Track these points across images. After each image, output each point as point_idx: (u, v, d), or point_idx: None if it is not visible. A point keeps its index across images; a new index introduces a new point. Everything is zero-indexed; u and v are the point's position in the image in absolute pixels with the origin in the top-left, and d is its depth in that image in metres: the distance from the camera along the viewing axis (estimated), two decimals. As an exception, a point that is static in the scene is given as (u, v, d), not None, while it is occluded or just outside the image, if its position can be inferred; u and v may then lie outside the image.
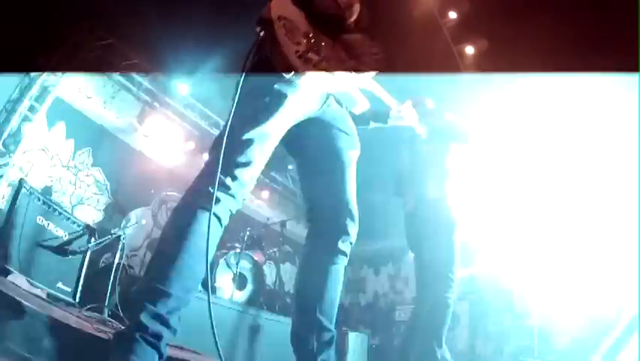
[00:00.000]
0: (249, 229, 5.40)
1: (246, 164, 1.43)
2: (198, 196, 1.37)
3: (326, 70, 1.57)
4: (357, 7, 1.74)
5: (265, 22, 1.48)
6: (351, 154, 1.69)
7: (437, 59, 5.48)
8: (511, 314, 6.18)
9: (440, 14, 5.23)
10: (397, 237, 4.16)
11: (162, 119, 6.53)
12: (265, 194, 8.03)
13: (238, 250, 5.08)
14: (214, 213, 1.33)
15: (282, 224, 5.76)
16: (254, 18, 1.53)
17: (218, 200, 1.34)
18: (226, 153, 1.39)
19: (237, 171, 1.40)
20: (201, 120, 7.02)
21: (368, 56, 1.70)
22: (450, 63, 5.57)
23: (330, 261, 1.58)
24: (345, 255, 1.61)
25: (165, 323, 1.18)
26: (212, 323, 1.25)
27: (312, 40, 1.56)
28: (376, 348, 6.28)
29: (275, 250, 5.92)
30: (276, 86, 1.49)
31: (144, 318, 1.15)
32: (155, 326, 1.15)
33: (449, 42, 5.44)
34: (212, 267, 4.99)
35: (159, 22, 4.94)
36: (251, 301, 4.71)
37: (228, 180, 1.39)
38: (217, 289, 4.83)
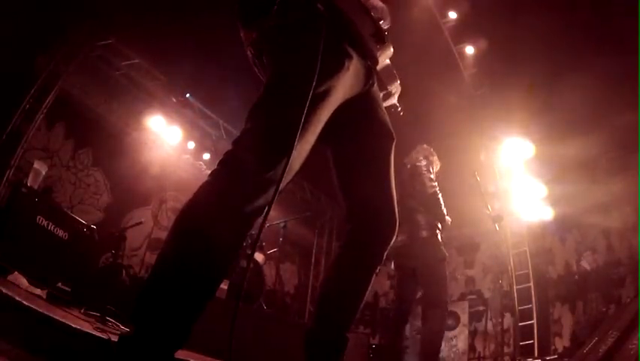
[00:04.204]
0: (248, 229, 5.39)
1: (307, 147, 1.19)
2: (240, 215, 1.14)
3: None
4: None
5: None
6: (392, 144, 1.46)
7: (437, 59, 5.48)
8: (511, 314, 6.18)
9: (440, 14, 5.23)
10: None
11: (162, 119, 6.53)
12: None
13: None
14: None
15: (282, 224, 5.75)
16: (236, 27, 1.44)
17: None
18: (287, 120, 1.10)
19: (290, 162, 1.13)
20: (201, 120, 7.02)
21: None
22: (450, 63, 5.58)
23: (370, 271, 1.43)
24: (382, 261, 1.45)
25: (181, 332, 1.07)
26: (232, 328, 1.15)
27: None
28: (376, 348, 6.28)
29: (275, 250, 5.92)
30: (344, 51, 1.26)
31: (158, 326, 1.03)
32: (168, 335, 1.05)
33: (449, 42, 5.45)
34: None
35: (159, 22, 4.93)
36: (250, 301, 4.71)
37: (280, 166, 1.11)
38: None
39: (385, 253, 1.44)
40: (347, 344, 1.41)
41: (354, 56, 1.30)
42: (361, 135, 1.44)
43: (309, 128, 1.17)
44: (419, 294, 3.28)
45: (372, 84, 1.45)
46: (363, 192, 1.42)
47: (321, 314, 1.42)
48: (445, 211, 3.23)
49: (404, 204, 3.29)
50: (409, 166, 3.39)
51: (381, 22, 1.38)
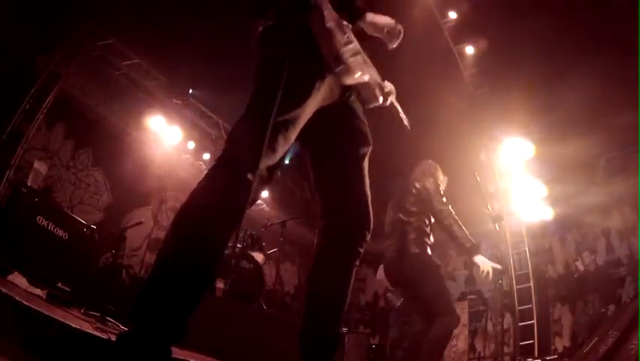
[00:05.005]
0: (248, 228, 5.40)
1: (275, 152, 1.31)
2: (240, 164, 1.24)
3: (360, 64, 1.52)
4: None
5: (312, 8, 1.40)
6: (367, 150, 1.60)
7: (437, 59, 5.48)
8: (511, 314, 6.18)
9: (440, 14, 5.24)
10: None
11: (162, 119, 6.53)
12: (265, 194, 8.04)
13: (238, 250, 5.08)
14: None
15: (282, 224, 5.75)
16: (252, 18, 1.49)
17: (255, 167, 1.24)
18: (259, 138, 1.24)
19: (269, 160, 1.30)
20: (201, 120, 7.02)
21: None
22: (450, 63, 5.58)
23: (349, 264, 1.53)
24: (360, 256, 1.57)
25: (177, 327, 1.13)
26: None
27: (349, 30, 1.50)
28: (376, 348, 6.28)
29: (275, 250, 5.92)
30: (315, 71, 1.41)
31: (155, 322, 1.09)
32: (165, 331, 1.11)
33: (449, 42, 5.45)
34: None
35: (159, 22, 4.94)
36: (250, 301, 4.71)
37: (264, 170, 1.28)
38: (217, 288, 4.82)
39: (362, 250, 1.55)
40: (340, 339, 1.49)
41: (327, 74, 1.44)
42: (334, 141, 1.58)
43: (284, 138, 1.33)
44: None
45: (349, 96, 1.59)
46: (337, 193, 1.56)
47: (309, 312, 1.51)
48: (466, 232, 3.13)
49: (397, 217, 3.25)
50: (417, 186, 3.29)
51: (349, 45, 1.47)
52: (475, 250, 3.13)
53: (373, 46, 1.70)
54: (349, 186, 1.55)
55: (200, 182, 1.29)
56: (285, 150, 1.36)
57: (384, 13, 1.78)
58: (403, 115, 2.11)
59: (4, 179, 4.59)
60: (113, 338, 1.70)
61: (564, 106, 5.12)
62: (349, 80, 1.50)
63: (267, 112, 1.24)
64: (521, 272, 6.23)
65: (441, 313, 2.92)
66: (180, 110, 6.73)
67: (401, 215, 3.20)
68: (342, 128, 1.58)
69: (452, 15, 5.27)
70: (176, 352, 2.25)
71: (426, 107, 5.30)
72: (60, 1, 4.91)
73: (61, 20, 5.06)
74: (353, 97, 1.62)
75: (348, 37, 1.47)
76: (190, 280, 1.15)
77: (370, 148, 1.61)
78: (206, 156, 7.14)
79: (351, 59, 1.47)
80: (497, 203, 6.07)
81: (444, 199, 3.20)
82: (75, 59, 5.35)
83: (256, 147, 1.22)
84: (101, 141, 6.06)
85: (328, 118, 1.51)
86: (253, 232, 5.49)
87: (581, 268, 6.20)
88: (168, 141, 6.64)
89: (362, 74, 1.52)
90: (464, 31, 5.42)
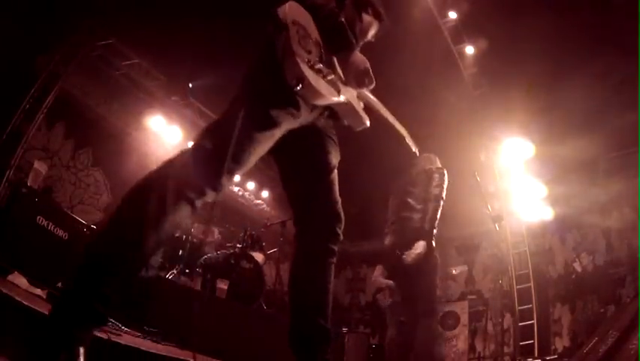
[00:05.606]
0: (248, 228, 5.40)
1: (242, 164, 1.40)
2: (187, 188, 1.30)
3: (332, 82, 1.55)
4: (373, 31, 1.80)
5: (279, 26, 1.44)
6: (336, 161, 1.72)
7: (437, 59, 5.48)
8: (511, 314, 6.18)
9: (440, 14, 5.23)
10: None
11: (162, 119, 6.53)
12: (265, 194, 8.04)
13: (238, 250, 5.08)
14: (194, 205, 1.31)
15: (282, 224, 5.75)
16: (252, 19, 1.50)
17: (204, 194, 1.32)
18: (224, 147, 1.33)
19: (233, 170, 1.38)
20: (201, 120, 7.01)
21: (360, 80, 1.70)
22: (450, 63, 5.58)
23: (325, 260, 1.62)
24: (336, 254, 1.65)
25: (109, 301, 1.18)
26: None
27: (323, 51, 1.55)
28: (376, 348, 6.28)
29: (275, 250, 5.92)
30: (284, 93, 1.46)
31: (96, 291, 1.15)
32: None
33: (449, 42, 5.45)
34: (211, 266, 4.99)
35: (159, 22, 4.93)
36: (250, 301, 4.71)
37: (223, 178, 1.34)
38: (218, 289, 4.82)
39: (335, 247, 1.64)
40: (329, 334, 1.56)
41: (295, 96, 1.48)
42: (303, 158, 1.69)
43: (254, 150, 1.42)
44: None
45: (321, 115, 1.67)
46: (305, 203, 1.68)
47: (295, 313, 1.60)
48: (436, 223, 3.14)
49: (399, 208, 3.27)
50: (418, 176, 3.33)
51: (317, 66, 1.50)
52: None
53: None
54: (317, 196, 1.66)
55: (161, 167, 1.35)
56: (248, 164, 1.44)
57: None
58: (409, 140, 2.17)
59: (4, 179, 4.59)
60: (113, 338, 1.70)
61: (564, 106, 5.12)
62: (317, 101, 1.53)
63: (231, 131, 1.34)
64: (521, 272, 6.23)
65: (422, 314, 2.95)
66: (180, 110, 6.73)
67: (403, 212, 3.22)
68: (311, 146, 1.68)
69: (452, 15, 5.27)
70: (176, 352, 2.25)
71: (426, 107, 5.31)
72: (60, 1, 4.91)
73: (61, 20, 5.06)
74: (324, 115, 1.70)
75: (316, 58, 1.50)
76: (123, 242, 1.22)
77: (338, 160, 1.73)
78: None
79: (320, 81, 1.49)
80: (497, 203, 6.07)
81: (444, 189, 3.24)
82: (75, 59, 5.34)
83: (214, 169, 1.32)
84: (101, 141, 6.05)
85: (298, 136, 1.59)
86: (253, 232, 5.49)
87: (581, 268, 6.20)
88: (168, 141, 6.64)
89: (333, 95, 1.54)
90: (464, 31, 5.42)
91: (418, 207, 3.19)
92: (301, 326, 1.56)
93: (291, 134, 1.55)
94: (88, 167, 5.93)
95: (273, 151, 1.57)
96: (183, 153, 1.38)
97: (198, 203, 1.32)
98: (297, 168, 1.70)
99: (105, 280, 1.17)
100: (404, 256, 2.98)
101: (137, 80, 6.29)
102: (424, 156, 3.48)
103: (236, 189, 7.81)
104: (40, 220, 3.40)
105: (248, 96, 1.46)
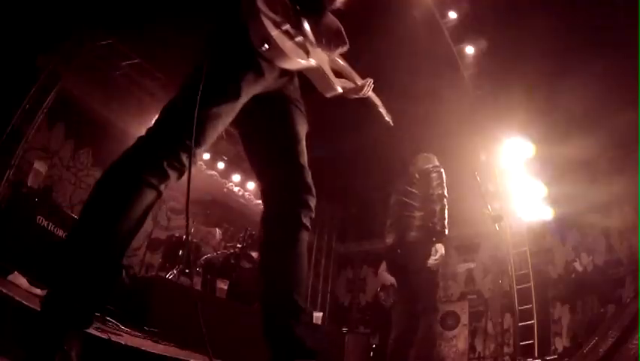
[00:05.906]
0: (249, 228, 5.40)
1: (204, 140, 1.32)
2: (146, 169, 1.23)
3: (301, 45, 1.49)
4: None
5: None
6: (304, 130, 1.61)
7: (437, 59, 5.48)
8: (511, 314, 6.18)
9: (440, 14, 5.23)
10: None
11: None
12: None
13: (238, 250, 5.08)
14: (158, 189, 1.26)
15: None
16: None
17: (166, 176, 1.25)
18: (182, 125, 1.25)
19: (195, 147, 1.28)
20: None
21: (332, 42, 1.64)
22: (450, 63, 5.57)
23: (296, 237, 1.49)
24: (308, 229, 1.53)
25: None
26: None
27: (292, 13, 1.48)
28: (376, 348, 6.27)
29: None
30: (247, 57, 1.38)
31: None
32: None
33: (449, 42, 5.44)
34: (211, 266, 4.99)
35: (159, 22, 4.93)
36: (251, 301, 4.71)
37: (184, 157, 1.26)
38: (218, 289, 4.83)
39: (305, 219, 1.51)
40: (300, 311, 1.42)
41: (258, 59, 1.41)
42: (268, 127, 1.56)
43: (215, 124, 1.34)
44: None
45: (290, 79, 1.59)
46: (276, 169, 1.54)
47: (272, 292, 1.47)
48: (446, 223, 3.15)
49: (400, 208, 3.28)
50: (417, 176, 3.34)
51: (284, 26, 1.43)
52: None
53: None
54: (288, 163, 1.53)
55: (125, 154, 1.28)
56: (211, 140, 1.36)
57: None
58: (383, 109, 2.11)
59: (4, 179, 4.59)
60: (113, 338, 1.70)
61: (564, 106, 5.12)
62: (284, 64, 1.46)
63: (192, 103, 1.25)
64: (521, 272, 6.22)
65: (423, 312, 2.95)
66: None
67: (404, 211, 3.23)
68: (277, 114, 1.57)
69: (452, 15, 5.27)
70: (176, 352, 2.25)
71: (426, 107, 5.31)
72: (60, 1, 4.90)
73: (62, 20, 5.06)
74: (293, 81, 1.61)
75: (283, 19, 1.43)
76: (94, 234, 1.19)
77: (306, 128, 1.62)
78: (206, 156, 7.13)
79: (287, 43, 1.43)
80: (497, 203, 6.06)
81: (444, 188, 3.24)
82: (75, 59, 5.35)
83: (171, 149, 1.24)
84: (101, 141, 6.05)
85: (264, 104, 1.50)
86: (253, 232, 5.50)
87: (581, 268, 6.20)
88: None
89: (301, 58, 1.48)
90: (464, 31, 5.41)
91: (418, 206, 3.21)
92: (278, 309, 1.43)
93: (256, 102, 1.46)
94: (88, 167, 5.93)
95: (238, 124, 1.50)
96: (140, 138, 1.30)
97: (162, 187, 1.26)
98: (262, 137, 1.57)
99: (83, 277, 1.15)
100: (429, 264, 2.99)
101: (137, 80, 6.28)
102: (422, 156, 3.51)
103: (236, 189, 7.82)
104: (40, 220, 3.41)
105: (207, 64, 1.34)
